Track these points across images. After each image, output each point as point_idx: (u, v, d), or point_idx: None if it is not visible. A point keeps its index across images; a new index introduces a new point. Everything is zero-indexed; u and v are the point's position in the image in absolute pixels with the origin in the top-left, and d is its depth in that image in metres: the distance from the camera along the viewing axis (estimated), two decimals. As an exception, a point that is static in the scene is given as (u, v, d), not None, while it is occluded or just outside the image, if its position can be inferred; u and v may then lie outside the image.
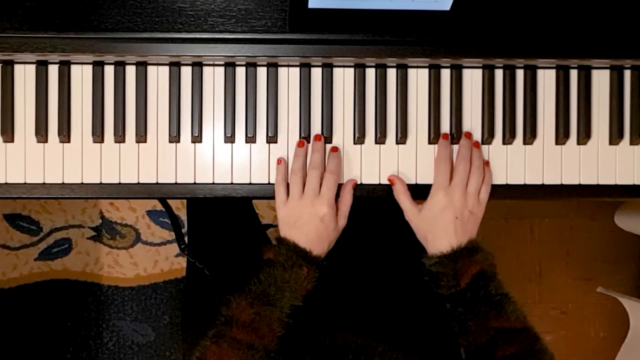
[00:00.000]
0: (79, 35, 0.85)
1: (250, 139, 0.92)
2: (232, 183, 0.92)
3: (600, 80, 0.94)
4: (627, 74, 0.94)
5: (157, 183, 0.91)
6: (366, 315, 0.96)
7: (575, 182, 0.94)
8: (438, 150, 0.91)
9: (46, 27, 0.84)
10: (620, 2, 0.86)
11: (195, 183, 0.91)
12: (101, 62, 0.90)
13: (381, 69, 0.92)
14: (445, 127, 0.93)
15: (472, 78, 0.93)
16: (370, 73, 0.92)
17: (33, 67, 0.90)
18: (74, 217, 1.67)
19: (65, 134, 0.90)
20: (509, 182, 0.94)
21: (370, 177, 0.93)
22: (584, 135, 0.94)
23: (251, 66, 0.91)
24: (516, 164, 0.94)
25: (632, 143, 0.95)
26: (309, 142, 0.91)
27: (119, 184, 0.91)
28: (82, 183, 0.90)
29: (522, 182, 0.94)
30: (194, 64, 0.90)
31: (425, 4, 0.80)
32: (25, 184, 0.90)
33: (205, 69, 0.91)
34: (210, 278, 1.09)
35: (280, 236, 0.87)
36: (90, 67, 0.90)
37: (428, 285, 0.86)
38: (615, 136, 0.94)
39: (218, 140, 0.92)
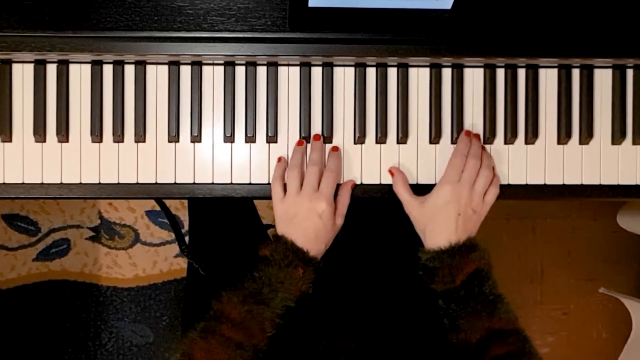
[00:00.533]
0: (77, 34, 0.85)
1: (250, 138, 0.91)
2: (231, 183, 0.91)
3: (603, 79, 0.94)
4: (630, 73, 0.94)
5: (156, 183, 0.90)
6: (362, 320, 0.95)
7: (577, 182, 0.94)
8: (457, 145, 0.89)
9: (44, 26, 0.84)
10: (622, 0, 0.86)
11: (194, 183, 0.91)
12: (100, 61, 0.89)
13: (382, 68, 0.92)
14: (446, 126, 0.92)
15: (474, 77, 0.93)
16: (371, 72, 0.92)
17: (31, 66, 0.89)
18: (72, 218, 1.67)
19: (63, 133, 0.89)
20: (511, 182, 0.93)
21: (371, 177, 0.92)
22: (586, 134, 0.93)
23: (251, 65, 0.91)
24: (518, 163, 0.93)
25: (634, 143, 0.94)
26: (308, 142, 0.91)
27: (118, 184, 0.90)
28: (80, 183, 0.90)
29: (523, 182, 0.93)
30: (193, 63, 0.90)
31: (426, 2, 0.80)
32: (23, 184, 0.89)
33: (204, 68, 0.91)
34: (210, 279, 1.08)
35: (277, 233, 0.86)
36: (88, 66, 0.90)
37: (424, 290, 0.85)
38: (618, 136, 0.93)
39: (217, 140, 0.91)
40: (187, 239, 1.22)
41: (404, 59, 0.90)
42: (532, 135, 0.93)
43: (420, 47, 0.88)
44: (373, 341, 0.86)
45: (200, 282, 1.10)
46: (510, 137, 0.93)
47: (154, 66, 0.90)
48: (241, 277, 0.85)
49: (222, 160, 0.91)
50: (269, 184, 0.91)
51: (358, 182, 0.92)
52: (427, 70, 0.92)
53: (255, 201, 1.23)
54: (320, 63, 0.91)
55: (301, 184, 0.86)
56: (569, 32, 0.87)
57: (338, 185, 0.89)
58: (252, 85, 0.91)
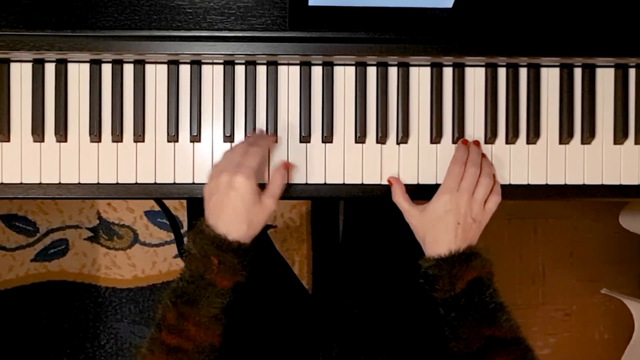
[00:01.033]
0: (75, 33, 0.84)
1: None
2: (231, 183, 0.91)
3: (605, 78, 0.94)
4: (632, 72, 0.94)
5: (155, 183, 0.90)
6: (361, 330, 0.95)
7: (579, 182, 0.93)
8: (455, 152, 0.89)
9: (43, 25, 0.84)
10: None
11: (194, 183, 0.90)
12: (98, 60, 0.89)
13: (382, 68, 0.91)
14: (447, 126, 0.92)
15: (475, 77, 0.93)
16: (372, 71, 0.91)
17: (29, 65, 0.89)
18: (70, 218, 1.66)
19: (62, 133, 0.89)
20: (512, 182, 0.93)
21: (371, 177, 0.92)
22: (588, 134, 0.93)
23: (251, 64, 0.90)
24: (519, 163, 0.93)
25: (636, 142, 0.94)
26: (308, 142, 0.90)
27: (117, 184, 0.90)
28: (79, 183, 0.89)
29: (525, 182, 0.93)
30: (192, 62, 0.90)
31: (427, 1, 0.80)
32: (21, 184, 0.89)
33: (204, 67, 0.90)
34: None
35: (202, 221, 0.80)
36: (87, 65, 0.89)
37: (425, 298, 0.84)
38: (620, 135, 0.93)
39: (217, 139, 0.91)
40: (185, 239, 1.21)
41: (405, 58, 0.90)
42: (533, 135, 0.92)
43: (422, 46, 0.87)
44: (374, 349, 0.85)
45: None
46: (511, 136, 0.92)
47: (153, 65, 0.90)
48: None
49: (222, 160, 0.91)
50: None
51: (358, 182, 0.91)
52: (428, 69, 0.92)
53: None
54: (320, 62, 0.91)
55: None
56: (571, 31, 0.87)
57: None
58: (251, 85, 0.90)
